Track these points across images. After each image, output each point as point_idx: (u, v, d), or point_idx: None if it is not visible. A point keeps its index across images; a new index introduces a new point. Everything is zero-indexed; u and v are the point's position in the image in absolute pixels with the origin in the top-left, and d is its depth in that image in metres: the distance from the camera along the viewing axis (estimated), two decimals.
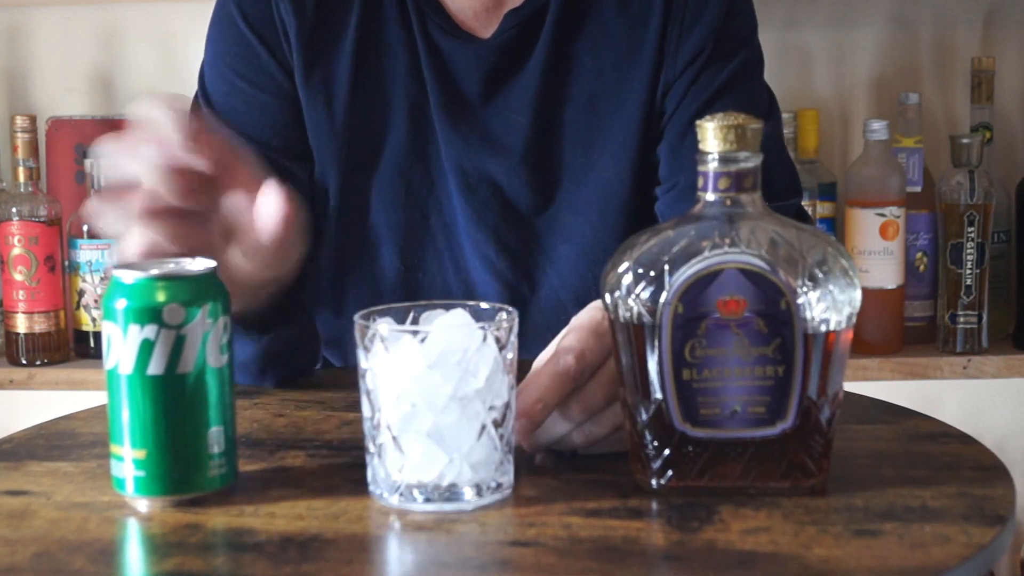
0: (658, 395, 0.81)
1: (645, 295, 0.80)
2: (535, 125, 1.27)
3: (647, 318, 0.80)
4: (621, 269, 0.82)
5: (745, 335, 0.79)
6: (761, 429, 0.83)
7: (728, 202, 0.81)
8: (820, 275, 0.80)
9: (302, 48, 1.25)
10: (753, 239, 0.80)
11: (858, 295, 0.82)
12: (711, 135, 0.81)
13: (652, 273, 0.80)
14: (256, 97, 1.26)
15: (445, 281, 1.30)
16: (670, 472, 0.84)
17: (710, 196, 0.82)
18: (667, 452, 0.83)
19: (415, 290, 1.29)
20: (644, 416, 0.82)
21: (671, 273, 0.79)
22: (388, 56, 1.26)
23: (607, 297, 0.83)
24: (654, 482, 0.85)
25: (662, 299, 0.79)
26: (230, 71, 1.27)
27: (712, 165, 0.81)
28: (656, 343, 0.80)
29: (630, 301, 0.80)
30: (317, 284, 1.31)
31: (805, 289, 0.79)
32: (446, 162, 1.27)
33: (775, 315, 0.78)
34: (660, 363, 0.80)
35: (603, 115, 1.27)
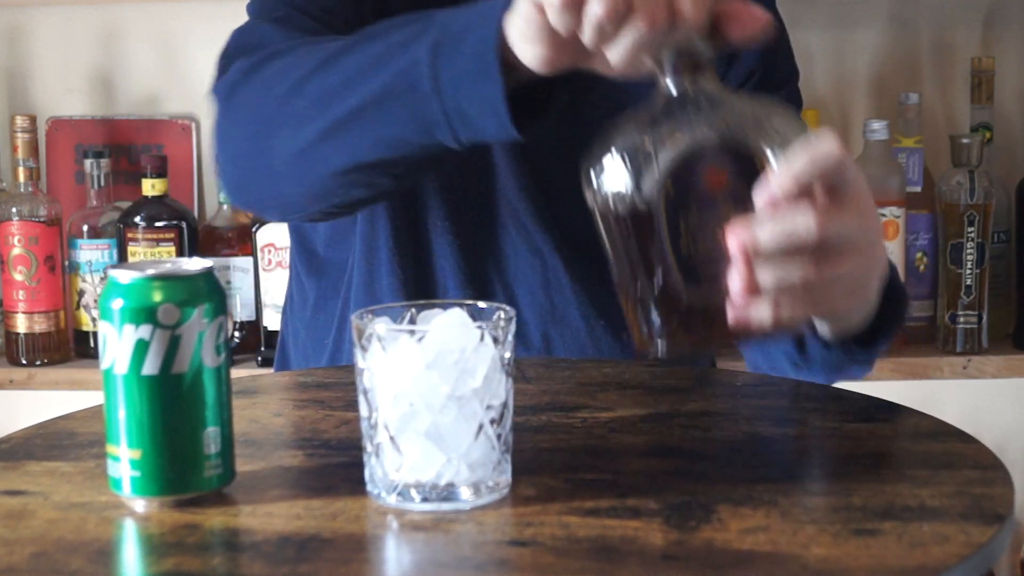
0: (661, 272, 0.85)
1: (636, 181, 0.84)
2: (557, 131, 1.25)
3: (641, 203, 0.84)
4: (607, 161, 0.85)
5: (730, 199, 0.83)
6: None
7: (693, 86, 0.86)
8: (784, 134, 0.84)
9: None
10: (721, 114, 0.85)
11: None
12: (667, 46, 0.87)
13: (639, 160, 0.84)
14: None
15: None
16: (666, 337, 0.87)
17: (674, 84, 0.87)
18: (673, 319, 0.86)
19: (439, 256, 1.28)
20: (651, 294, 0.86)
21: (657, 157, 0.83)
22: None
23: (596, 189, 0.86)
24: (663, 349, 0.87)
25: (653, 182, 0.83)
26: None
27: (671, 55, 0.86)
28: (653, 223, 0.84)
29: (623, 189, 0.84)
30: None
31: (775, 150, 0.83)
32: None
33: (752, 175, 0.83)
34: (659, 241, 0.84)
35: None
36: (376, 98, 0.98)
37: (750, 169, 0.83)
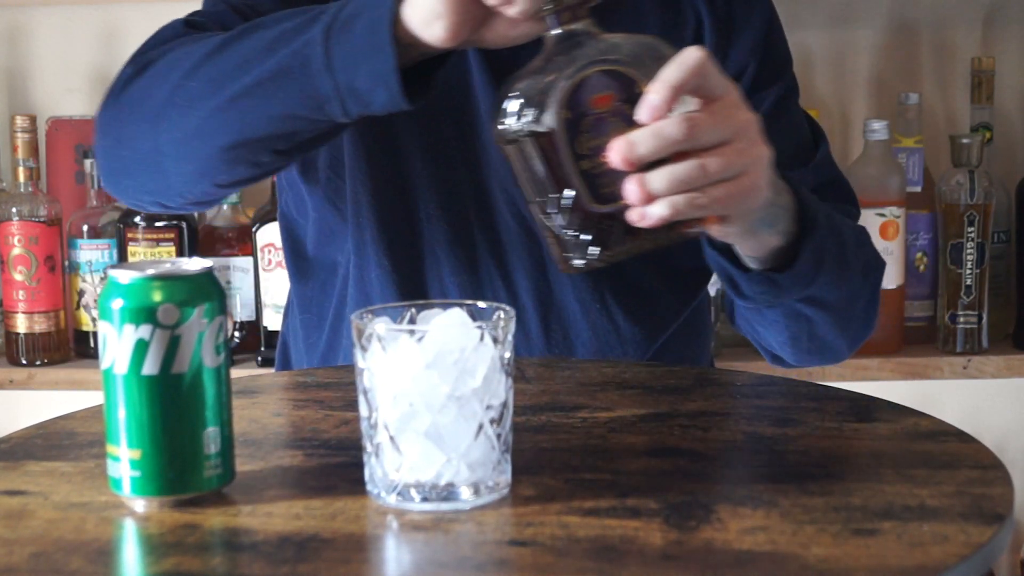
0: (568, 190, 0.95)
1: (535, 115, 0.95)
2: None
3: (542, 131, 0.94)
4: (508, 104, 0.96)
5: (619, 119, 0.93)
6: None
7: (574, 28, 0.97)
8: (658, 57, 0.94)
9: None
10: (601, 47, 0.96)
11: None
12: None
13: (535, 96, 0.95)
14: None
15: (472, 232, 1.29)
16: (595, 249, 0.96)
17: (558, 28, 0.98)
18: (589, 234, 0.96)
19: (436, 244, 1.29)
20: (563, 213, 0.96)
21: (550, 90, 0.94)
22: None
23: (503, 131, 0.96)
24: (579, 263, 0.97)
25: (549, 112, 0.94)
26: None
27: (552, 6, 0.97)
28: (556, 148, 0.95)
29: (525, 124, 0.95)
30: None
31: (649, 70, 0.94)
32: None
33: (636, 98, 0.93)
34: (562, 161, 0.94)
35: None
36: (270, 76, 1.04)
37: (633, 90, 0.93)
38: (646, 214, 0.93)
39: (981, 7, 2.03)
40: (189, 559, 0.80)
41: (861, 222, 1.38)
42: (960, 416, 2.00)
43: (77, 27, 2.08)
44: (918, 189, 1.93)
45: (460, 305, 0.90)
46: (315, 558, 0.79)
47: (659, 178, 0.92)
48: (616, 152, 0.92)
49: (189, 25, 1.18)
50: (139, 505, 0.87)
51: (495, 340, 0.86)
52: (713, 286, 1.60)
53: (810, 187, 1.34)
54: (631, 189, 0.92)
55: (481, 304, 0.90)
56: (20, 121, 1.93)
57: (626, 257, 0.97)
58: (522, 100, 0.95)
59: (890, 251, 1.89)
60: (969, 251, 1.90)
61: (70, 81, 2.09)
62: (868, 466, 0.94)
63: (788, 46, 1.36)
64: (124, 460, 0.87)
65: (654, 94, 0.91)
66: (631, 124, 0.93)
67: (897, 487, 0.88)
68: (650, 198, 0.92)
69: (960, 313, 1.91)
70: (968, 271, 1.90)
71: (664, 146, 0.92)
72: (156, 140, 1.11)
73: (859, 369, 1.89)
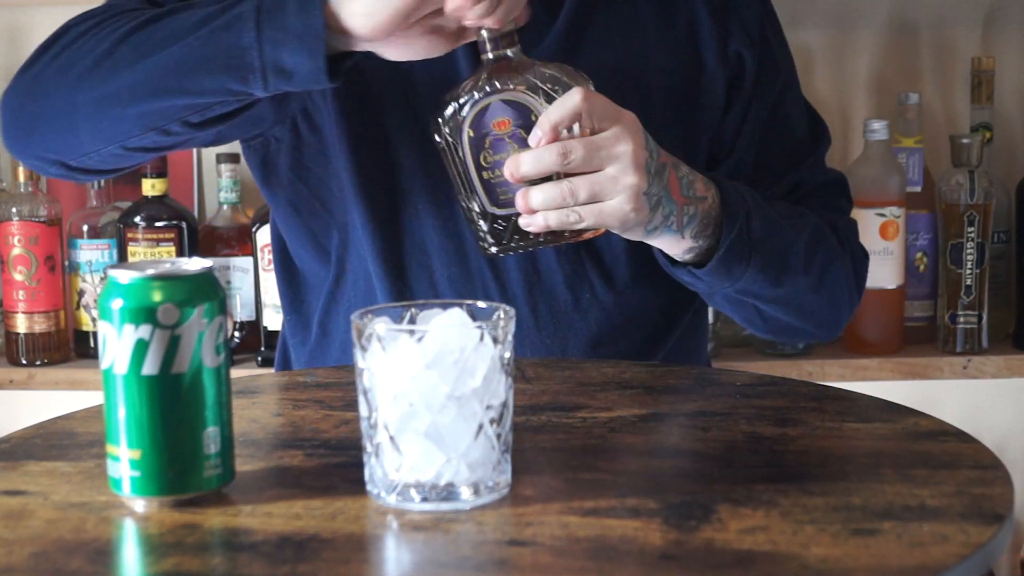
0: (475, 192, 1.14)
1: (451, 130, 1.13)
2: None
3: (453, 144, 1.13)
4: (439, 113, 1.13)
5: (515, 141, 1.11)
6: None
7: (494, 57, 1.12)
8: (555, 91, 1.11)
9: None
10: (512, 78, 1.12)
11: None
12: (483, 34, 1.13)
13: (454, 114, 1.12)
14: None
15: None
16: (494, 241, 1.15)
17: (488, 54, 1.12)
18: (491, 228, 1.14)
19: (426, 239, 1.30)
20: (474, 207, 1.14)
21: (462, 111, 1.12)
22: None
23: (435, 132, 1.13)
24: (494, 250, 1.15)
25: (459, 129, 1.12)
26: None
27: (485, 34, 1.12)
28: (464, 159, 1.13)
29: (444, 135, 1.13)
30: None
31: (544, 102, 1.11)
32: None
33: (530, 125, 1.10)
34: (468, 170, 1.13)
35: (627, 91, 1.28)
36: (198, 47, 1.11)
37: (529, 117, 1.11)
38: (531, 223, 1.11)
39: (981, 7, 2.02)
40: (189, 559, 0.80)
41: (860, 222, 1.39)
42: (960, 416, 2.00)
43: None
44: (918, 189, 1.92)
45: (460, 305, 0.90)
46: (315, 558, 0.79)
47: (537, 195, 1.10)
48: (506, 169, 1.10)
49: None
50: (139, 505, 0.87)
51: (495, 340, 0.86)
52: None
53: (806, 187, 1.35)
54: (517, 201, 1.11)
55: (481, 304, 0.90)
56: None
57: (532, 249, 1.17)
58: (444, 115, 1.12)
59: (890, 251, 1.89)
60: (969, 251, 1.90)
61: None
62: (868, 466, 0.94)
63: (784, 36, 1.38)
64: (124, 460, 0.87)
65: (537, 127, 1.09)
66: (524, 144, 1.11)
67: (897, 487, 0.88)
68: (531, 210, 1.10)
69: (960, 313, 1.91)
70: (968, 271, 1.90)
71: (542, 168, 1.09)
72: (74, 98, 1.16)
73: (859, 369, 1.89)
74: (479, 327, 0.86)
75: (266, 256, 1.92)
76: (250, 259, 1.95)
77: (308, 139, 1.30)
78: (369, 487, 0.88)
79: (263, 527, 0.83)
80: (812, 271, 1.29)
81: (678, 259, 1.24)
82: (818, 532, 0.81)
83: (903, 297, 1.93)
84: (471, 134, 1.12)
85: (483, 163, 1.13)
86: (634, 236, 1.17)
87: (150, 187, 1.92)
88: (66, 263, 1.97)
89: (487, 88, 1.12)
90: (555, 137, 1.09)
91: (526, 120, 1.11)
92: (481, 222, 1.15)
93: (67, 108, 1.17)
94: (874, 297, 1.88)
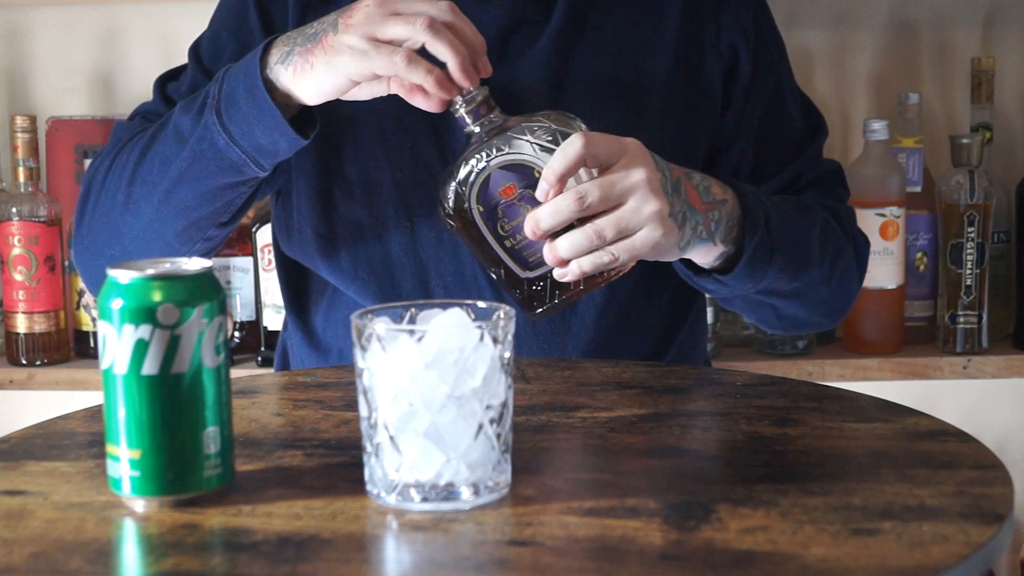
0: (502, 263, 1.13)
1: (457, 208, 1.12)
2: (548, 91, 1.27)
3: (466, 222, 1.12)
4: (441, 195, 1.12)
5: (526, 203, 1.10)
6: None
7: (478, 126, 1.12)
8: (549, 141, 1.10)
9: (300, 9, 1.29)
10: (499, 143, 1.10)
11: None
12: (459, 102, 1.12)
13: (457, 192, 1.12)
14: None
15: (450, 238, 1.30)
16: (537, 303, 1.14)
17: (469, 127, 1.12)
18: (530, 292, 1.14)
19: (420, 249, 1.29)
20: (506, 277, 1.14)
21: (464, 188, 1.11)
22: None
23: (442, 214, 1.13)
24: (540, 311, 1.14)
25: (466, 207, 1.12)
26: (225, 31, 1.33)
27: (464, 108, 1.12)
28: (481, 234, 1.12)
29: (452, 214, 1.12)
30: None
31: (540, 158, 1.09)
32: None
33: (535, 182, 1.08)
34: (489, 245, 1.12)
35: (622, 93, 1.28)
36: (189, 163, 1.20)
37: (533, 175, 1.09)
38: (565, 272, 1.10)
39: (981, 7, 2.02)
40: (189, 559, 0.80)
41: (860, 223, 1.39)
42: (960, 416, 2.00)
43: (77, 27, 2.08)
44: (918, 189, 1.92)
45: (460, 305, 0.90)
46: (315, 558, 0.79)
47: (564, 245, 1.08)
48: (527, 229, 1.09)
49: (144, 116, 1.34)
50: (139, 505, 0.87)
51: (495, 340, 0.86)
52: None
53: (805, 178, 1.36)
54: (546, 256, 1.09)
55: (481, 304, 0.91)
56: (20, 121, 1.93)
57: (575, 300, 1.16)
58: (448, 200, 1.12)
59: (890, 251, 1.89)
60: (969, 251, 1.90)
61: (70, 81, 2.09)
62: (868, 466, 0.94)
63: (777, 29, 1.39)
64: (124, 460, 0.87)
65: (544, 182, 1.07)
66: (535, 203, 1.09)
67: (897, 487, 0.88)
68: (563, 261, 1.09)
69: (960, 313, 1.91)
70: (968, 271, 1.90)
71: (563, 218, 1.07)
72: (122, 243, 1.27)
73: (859, 369, 1.89)
74: (479, 327, 0.87)
75: (266, 256, 1.92)
76: (250, 259, 1.95)
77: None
78: (369, 487, 0.88)
79: (263, 527, 0.83)
80: (825, 263, 1.30)
81: (707, 267, 1.24)
82: (818, 532, 0.81)
83: (903, 297, 1.93)
84: (480, 209, 1.11)
85: (502, 232, 1.12)
86: (671, 257, 1.17)
87: None
88: (66, 263, 1.97)
89: (482, 160, 1.10)
90: (563, 188, 1.07)
91: (531, 179, 1.09)
92: (517, 291, 1.14)
93: (123, 254, 1.27)
94: (874, 297, 1.88)
